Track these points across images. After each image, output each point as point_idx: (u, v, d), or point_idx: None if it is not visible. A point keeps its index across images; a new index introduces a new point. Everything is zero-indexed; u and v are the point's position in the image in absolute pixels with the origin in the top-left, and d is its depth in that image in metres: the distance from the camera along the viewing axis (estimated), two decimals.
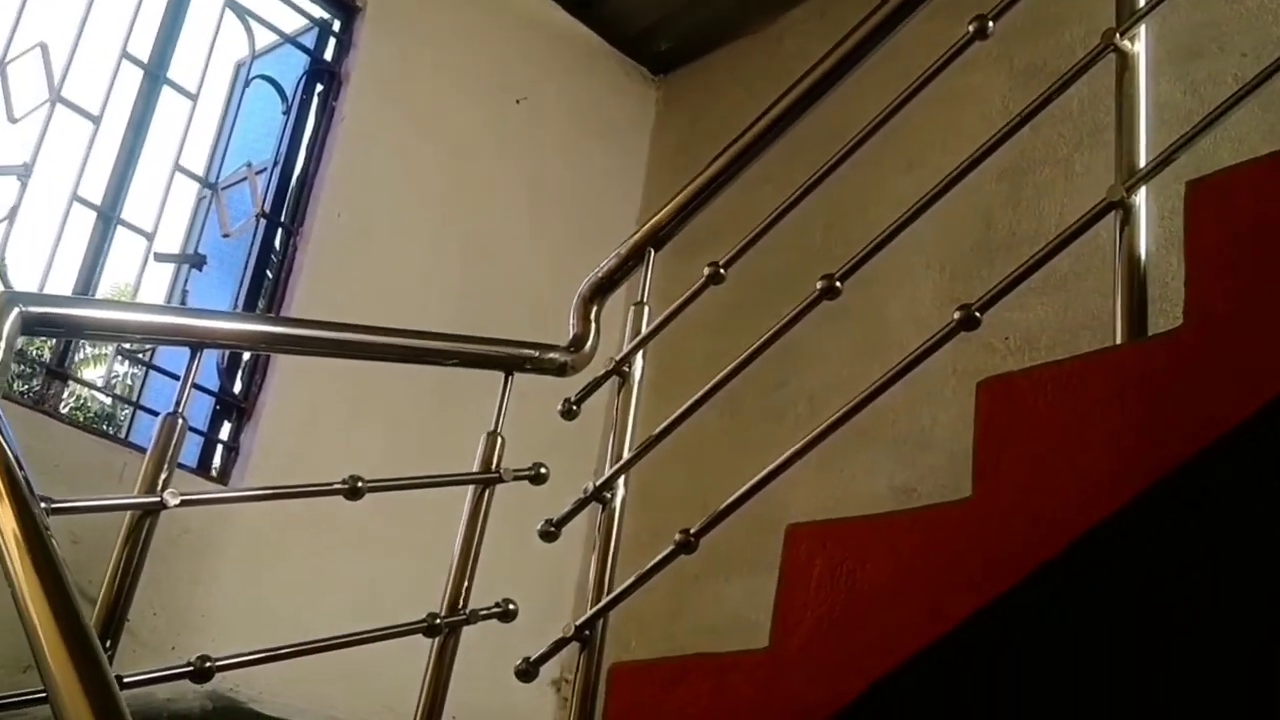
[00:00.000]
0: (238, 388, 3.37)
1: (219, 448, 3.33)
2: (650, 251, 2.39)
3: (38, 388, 3.12)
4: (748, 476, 1.85)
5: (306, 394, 3.38)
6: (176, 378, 3.40)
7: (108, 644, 1.70)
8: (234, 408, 3.34)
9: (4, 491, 1.37)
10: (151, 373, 3.51)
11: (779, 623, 1.72)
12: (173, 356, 3.40)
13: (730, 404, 3.64)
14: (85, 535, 2.81)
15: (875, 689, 1.54)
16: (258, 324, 2.37)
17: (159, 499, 1.74)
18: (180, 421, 1.81)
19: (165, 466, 1.78)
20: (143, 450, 3.16)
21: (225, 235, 3.47)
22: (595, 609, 2.06)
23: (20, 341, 1.68)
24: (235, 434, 3.32)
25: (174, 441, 1.79)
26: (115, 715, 1.04)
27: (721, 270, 2.17)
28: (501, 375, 2.28)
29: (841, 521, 1.75)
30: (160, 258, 3.26)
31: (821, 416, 1.78)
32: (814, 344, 3.49)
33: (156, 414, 3.35)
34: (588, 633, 2.10)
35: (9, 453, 1.44)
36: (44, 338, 1.67)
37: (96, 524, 2.79)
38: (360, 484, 2.00)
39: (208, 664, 1.77)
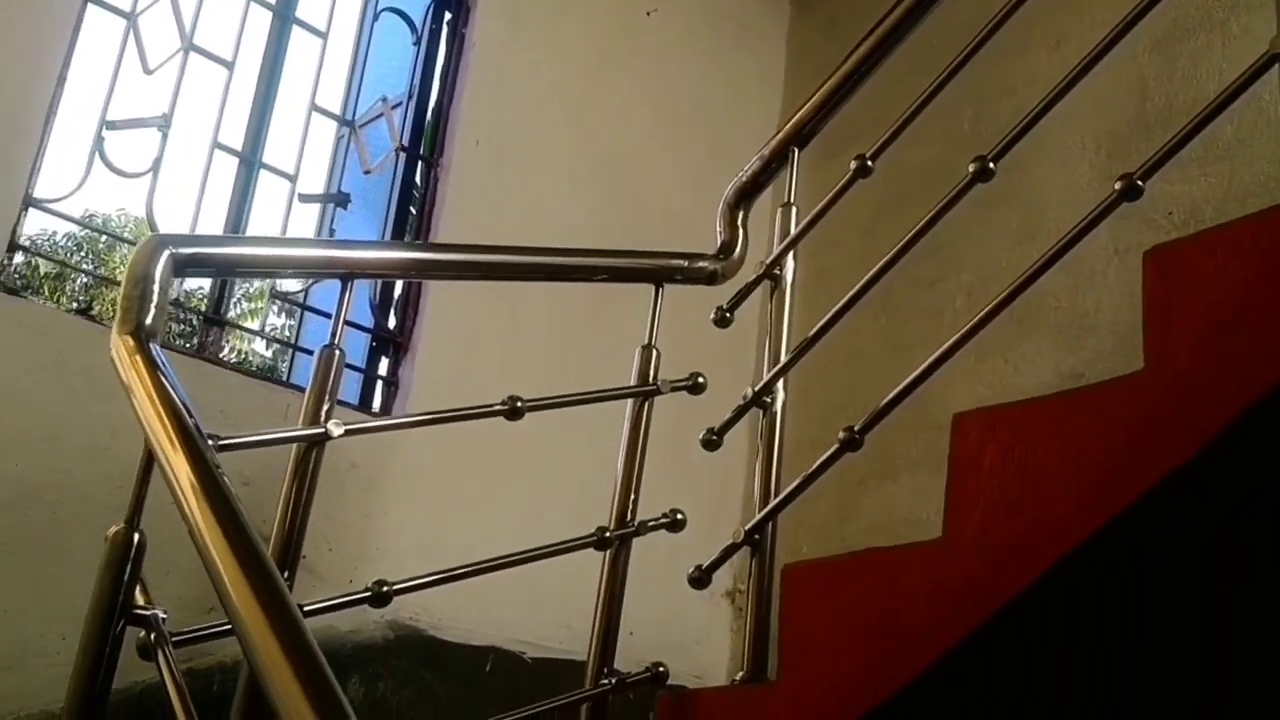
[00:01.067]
0: (392, 323, 3.39)
1: (379, 384, 3.37)
2: (794, 151, 2.31)
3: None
4: (907, 376, 1.78)
5: (460, 324, 3.39)
6: (330, 317, 3.49)
7: (285, 575, 1.71)
8: (390, 343, 3.37)
9: (175, 436, 1.37)
10: (307, 318, 3.57)
11: (951, 512, 1.66)
12: (326, 297, 3.45)
13: (886, 304, 3.56)
14: (256, 477, 2.88)
15: (1050, 574, 1.47)
16: (407, 251, 2.35)
17: (323, 430, 1.75)
18: (338, 354, 1.81)
19: (326, 399, 1.78)
20: (304, 391, 3.26)
21: (366, 172, 3.49)
22: (764, 512, 2.02)
23: (175, 285, 1.70)
24: (393, 369, 3.36)
25: (333, 373, 1.79)
26: (301, 646, 1.03)
27: (869, 162, 2.09)
28: (651, 288, 2.23)
29: (1011, 406, 1.67)
30: (305, 199, 3.29)
31: (979, 311, 1.70)
32: (969, 236, 3.37)
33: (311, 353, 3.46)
34: (757, 537, 2.06)
35: (176, 398, 1.45)
36: (196, 278, 1.66)
37: (266, 465, 2.85)
38: (520, 404, 1.99)
39: (384, 588, 1.78)
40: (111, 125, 2.98)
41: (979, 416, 1.71)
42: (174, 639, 1.53)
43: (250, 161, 3.22)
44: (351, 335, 3.42)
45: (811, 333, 2.03)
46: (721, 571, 2.09)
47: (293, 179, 3.27)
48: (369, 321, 3.37)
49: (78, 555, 2.29)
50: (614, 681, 1.99)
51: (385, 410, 3.31)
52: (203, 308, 3.36)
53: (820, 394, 3.14)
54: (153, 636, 1.43)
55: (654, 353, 2.18)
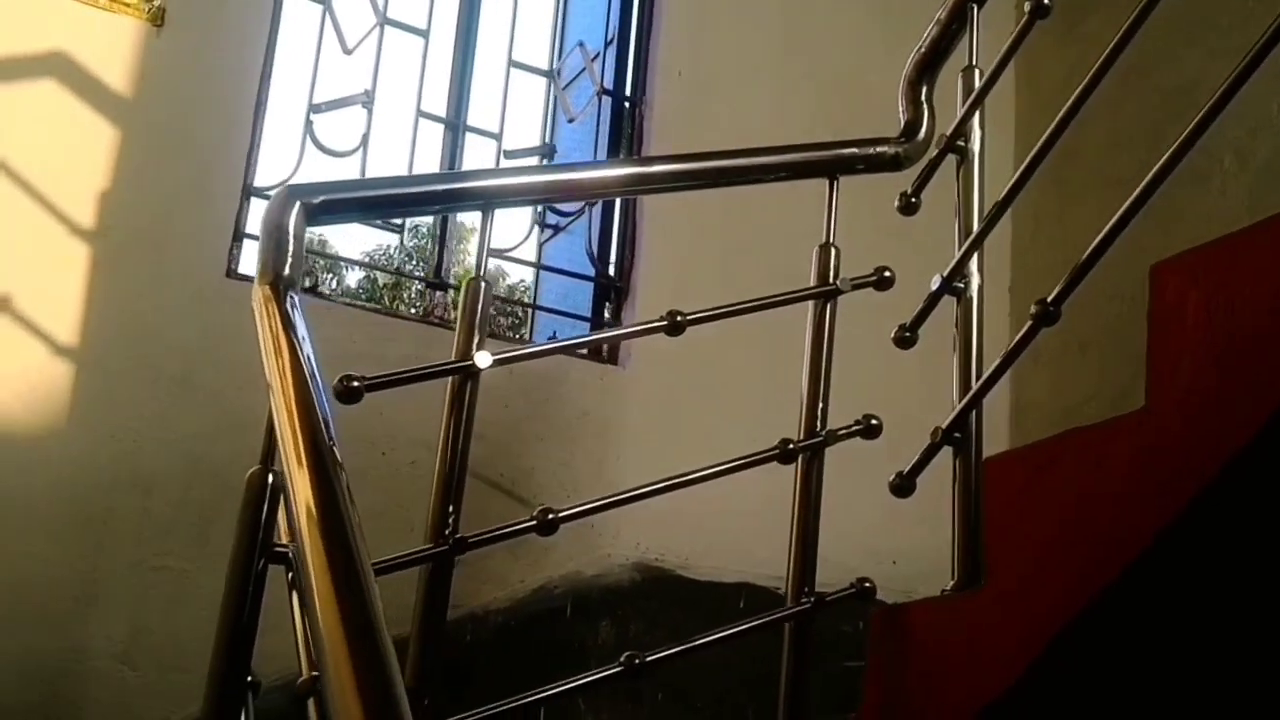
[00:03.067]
0: (611, 270, 3.37)
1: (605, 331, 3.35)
2: (973, 9, 2.09)
3: (422, 303, 3.27)
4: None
5: (676, 260, 3.32)
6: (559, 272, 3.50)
7: (451, 511, 1.69)
8: (611, 288, 3.34)
9: (293, 395, 1.33)
10: (543, 277, 3.58)
11: (1153, 376, 1.45)
12: (556, 254, 3.46)
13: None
14: (488, 431, 2.92)
15: (1268, 431, 1.24)
16: (542, 175, 2.28)
17: (469, 362, 1.71)
18: (483, 285, 1.77)
19: (475, 331, 1.74)
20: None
21: (570, 120, 3.46)
22: (962, 403, 1.84)
23: (313, 233, 1.70)
24: (616, 313, 3.33)
25: (480, 306, 1.75)
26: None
27: (1044, 1, 1.86)
28: (827, 181, 2.09)
29: (1213, 245, 1.43)
30: (511, 155, 3.31)
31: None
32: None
33: (550, 310, 3.48)
34: (958, 435, 1.88)
35: (300, 353, 1.43)
36: (330, 224, 1.66)
37: (497, 420, 2.89)
38: (681, 318, 1.89)
39: (550, 515, 1.73)
40: (318, 109, 3.08)
41: (1178, 265, 1.49)
42: None
43: (454, 125, 3.26)
44: (575, 285, 3.42)
45: (1000, 198, 1.83)
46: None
47: (498, 137, 3.30)
48: (589, 270, 3.36)
49: None
50: (814, 600, 1.87)
51: (613, 356, 3.28)
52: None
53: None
54: (290, 575, 1.43)
55: (833, 251, 2.03)
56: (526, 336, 3.66)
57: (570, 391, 3.12)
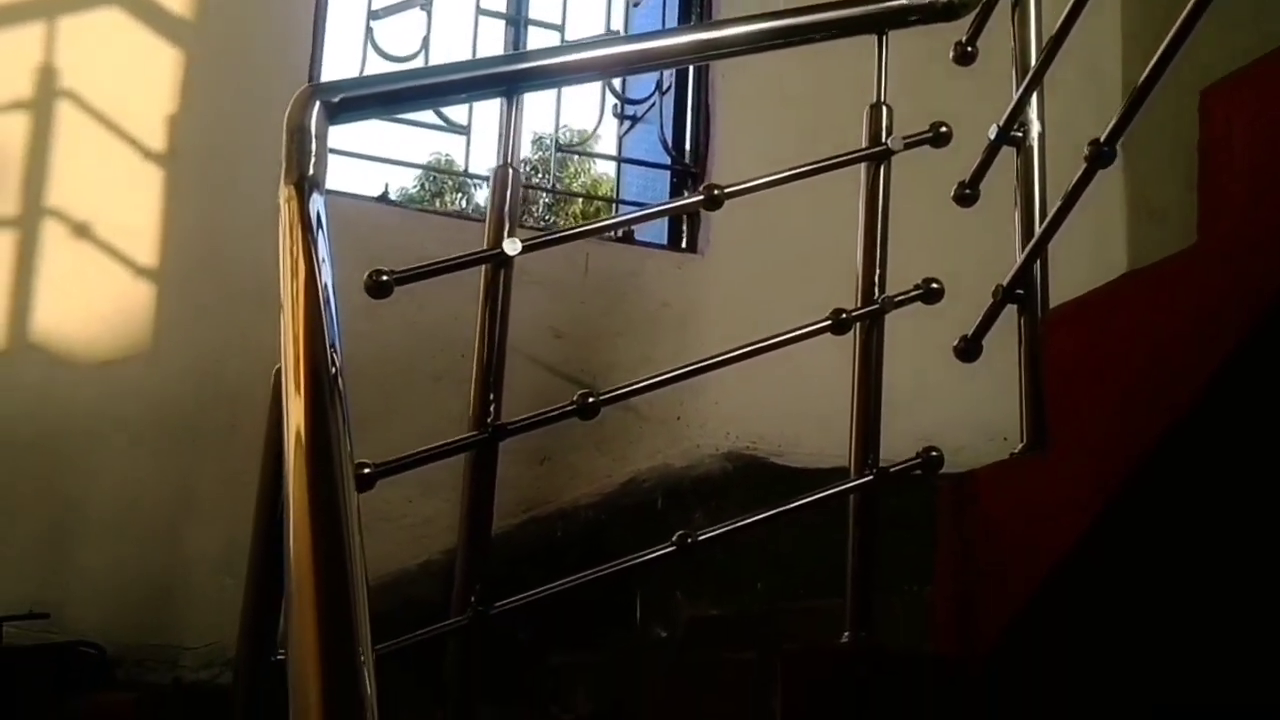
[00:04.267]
0: (687, 158, 3.29)
1: (683, 220, 3.28)
2: None
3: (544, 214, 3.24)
4: None
5: (750, 145, 3.22)
6: (631, 161, 3.44)
7: (491, 399, 1.66)
8: (687, 175, 3.27)
9: (301, 289, 1.32)
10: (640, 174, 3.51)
11: (1204, 207, 1.34)
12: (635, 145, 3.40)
13: None
14: (568, 329, 2.90)
15: None
16: (568, 55, 2.20)
17: (499, 250, 1.67)
18: (511, 172, 1.73)
19: (505, 218, 1.70)
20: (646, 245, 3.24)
21: (636, 3, 3.37)
22: (1023, 257, 1.75)
23: (334, 132, 1.68)
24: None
25: (508, 193, 1.71)
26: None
27: None
28: (875, 38, 1.98)
29: (1261, 62, 1.30)
30: None
31: None
32: None
33: (630, 203, 3.42)
34: (1021, 291, 1.79)
35: (314, 254, 1.41)
36: (352, 121, 1.63)
37: (578, 317, 2.87)
38: (717, 191, 1.83)
39: (590, 399, 1.69)
40: (377, 14, 3.05)
41: (1227, 87, 1.36)
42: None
43: (516, 20, 3.20)
44: (653, 175, 3.36)
45: (1057, 27, 1.70)
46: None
47: (561, 28, 3.23)
48: (664, 159, 3.28)
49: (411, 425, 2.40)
50: (877, 472, 1.81)
51: (693, 244, 3.22)
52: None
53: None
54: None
55: (884, 110, 1.93)
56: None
57: (648, 284, 3.07)
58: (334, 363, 1.20)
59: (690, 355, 2.97)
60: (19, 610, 2.23)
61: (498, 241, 1.70)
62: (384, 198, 3.11)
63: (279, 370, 1.45)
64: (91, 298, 2.63)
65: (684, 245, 3.23)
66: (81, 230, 2.67)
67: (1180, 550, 1.56)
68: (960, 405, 2.35)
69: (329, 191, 1.57)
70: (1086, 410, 1.54)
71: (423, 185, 13.69)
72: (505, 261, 1.69)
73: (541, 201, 12.19)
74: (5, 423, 2.48)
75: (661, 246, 3.22)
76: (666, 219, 3.29)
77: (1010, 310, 1.83)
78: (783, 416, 3.04)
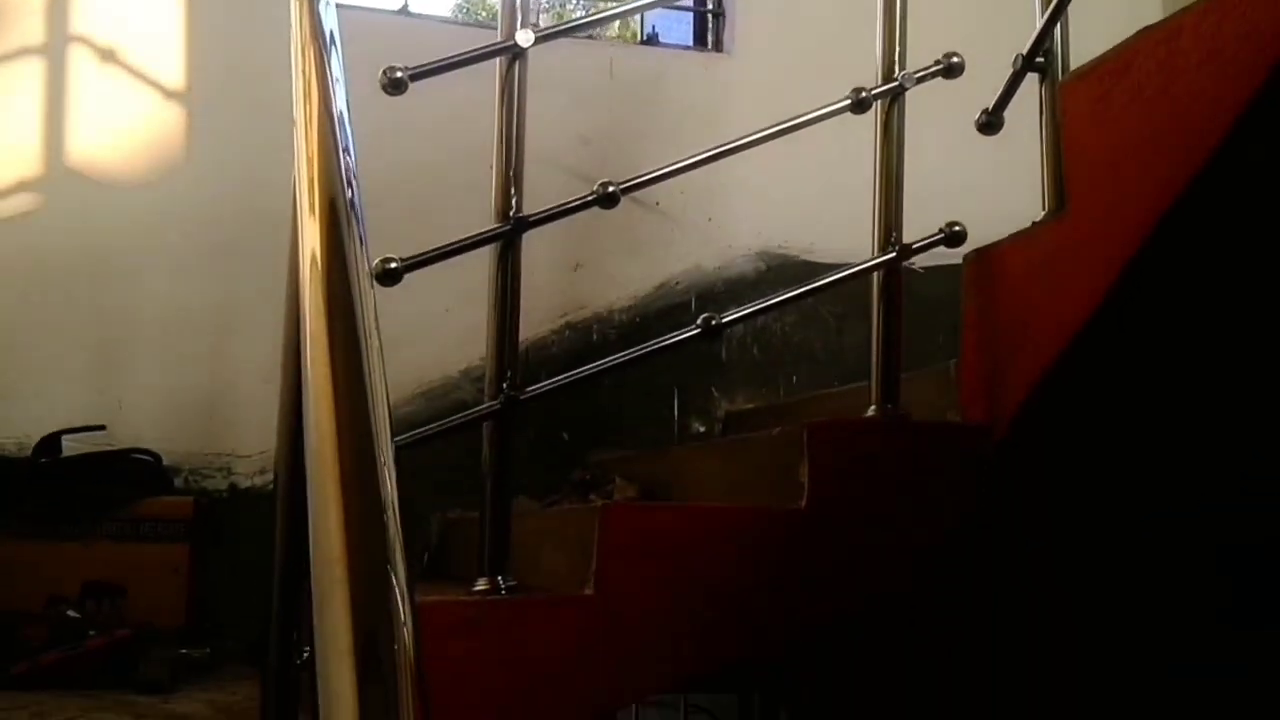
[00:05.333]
0: None
1: (709, 19, 3.23)
2: None
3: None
4: None
5: None
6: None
7: (513, 194, 1.69)
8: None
9: (310, 53, 1.33)
10: None
11: None
12: None
13: None
14: (594, 136, 2.90)
15: None
16: None
17: (512, 42, 1.67)
18: None
19: (517, 10, 1.70)
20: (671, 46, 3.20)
21: None
22: (1042, 24, 1.74)
23: None
24: (717, 37, 3.20)
25: None
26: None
27: None
28: None
29: None
30: None
31: None
32: None
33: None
34: (1041, 59, 1.78)
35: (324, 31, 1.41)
36: None
37: (603, 127, 2.86)
38: None
39: (610, 188, 1.71)
40: None
41: None
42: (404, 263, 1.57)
43: None
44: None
45: None
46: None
47: None
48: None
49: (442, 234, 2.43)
50: (899, 248, 1.83)
51: (718, 44, 3.17)
52: None
53: None
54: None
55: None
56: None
57: (673, 87, 3.05)
58: (349, 183, 1.19)
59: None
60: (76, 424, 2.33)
61: (511, 34, 1.70)
62: (404, 10, 3.08)
63: None
64: (124, 122, 2.66)
65: (710, 45, 3.18)
66: (108, 55, 2.68)
67: (1198, 317, 1.58)
68: (985, 197, 2.33)
69: (346, 6, 1.56)
70: (1105, 171, 1.54)
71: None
72: (519, 54, 1.70)
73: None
74: (51, 246, 2.55)
75: (687, 47, 3.18)
76: (693, 19, 3.24)
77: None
78: (813, 215, 3.04)
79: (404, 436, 1.65)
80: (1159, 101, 1.42)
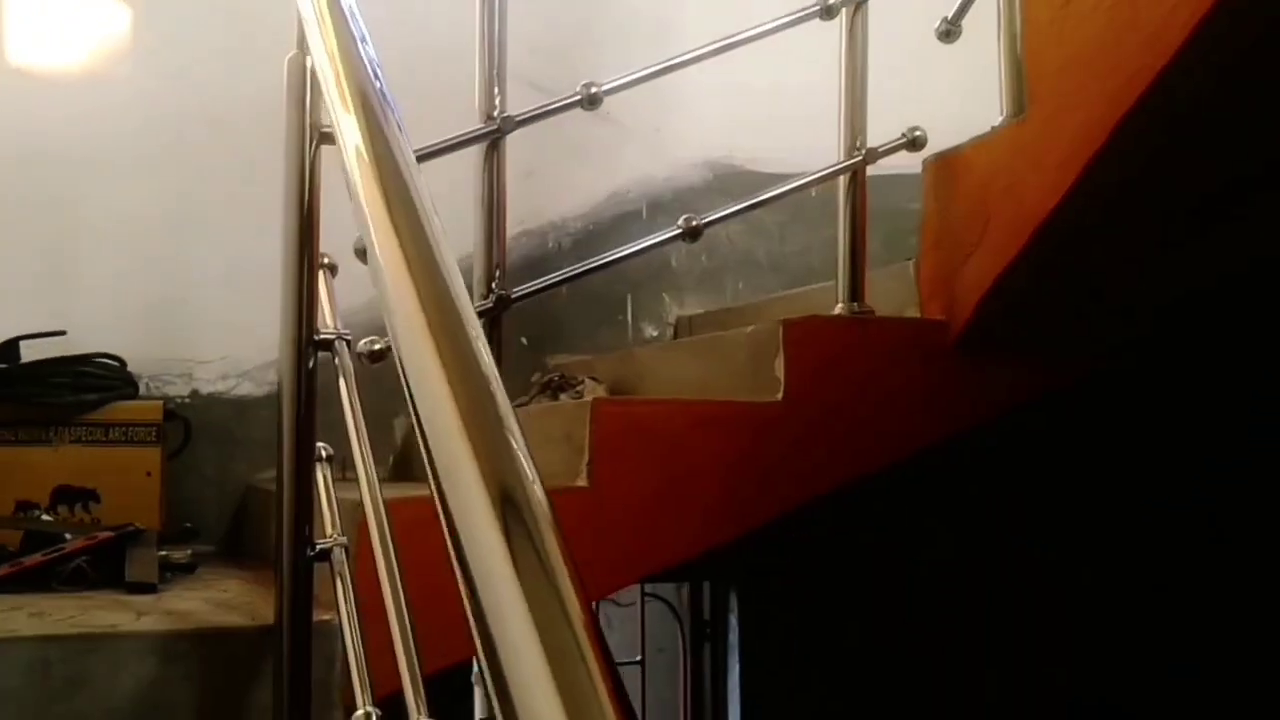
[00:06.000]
0: None
1: None
2: None
3: None
4: None
5: None
6: None
7: (495, 91, 1.72)
8: None
9: None
10: None
11: None
12: None
13: None
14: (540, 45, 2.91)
15: None
16: None
17: None
18: None
19: None
20: None
21: None
22: None
23: None
24: None
25: None
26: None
27: None
28: None
29: None
30: None
31: None
32: None
33: None
34: None
35: None
36: None
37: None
38: None
39: (593, 89, 1.76)
40: None
41: None
42: None
43: None
44: None
45: None
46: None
47: None
48: None
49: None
50: (865, 152, 1.91)
51: None
52: None
53: None
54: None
55: None
56: None
57: None
58: (375, 75, 1.19)
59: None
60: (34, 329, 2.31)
61: None
62: None
63: (293, 58, 1.49)
64: (71, 25, 2.60)
65: None
66: None
67: (1152, 216, 1.68)
68: (938, 105, 2.40)
69: None
70: (1066, 77, 1.62)
71: None
72: None
73: None
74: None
75: None
76: None
77: None
78: (758, 126, 3.09)
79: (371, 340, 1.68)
80: (1120, 9, 1.50)
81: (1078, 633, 3.01)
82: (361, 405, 1.42)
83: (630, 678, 2.99)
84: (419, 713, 1.02)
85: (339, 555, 1.37)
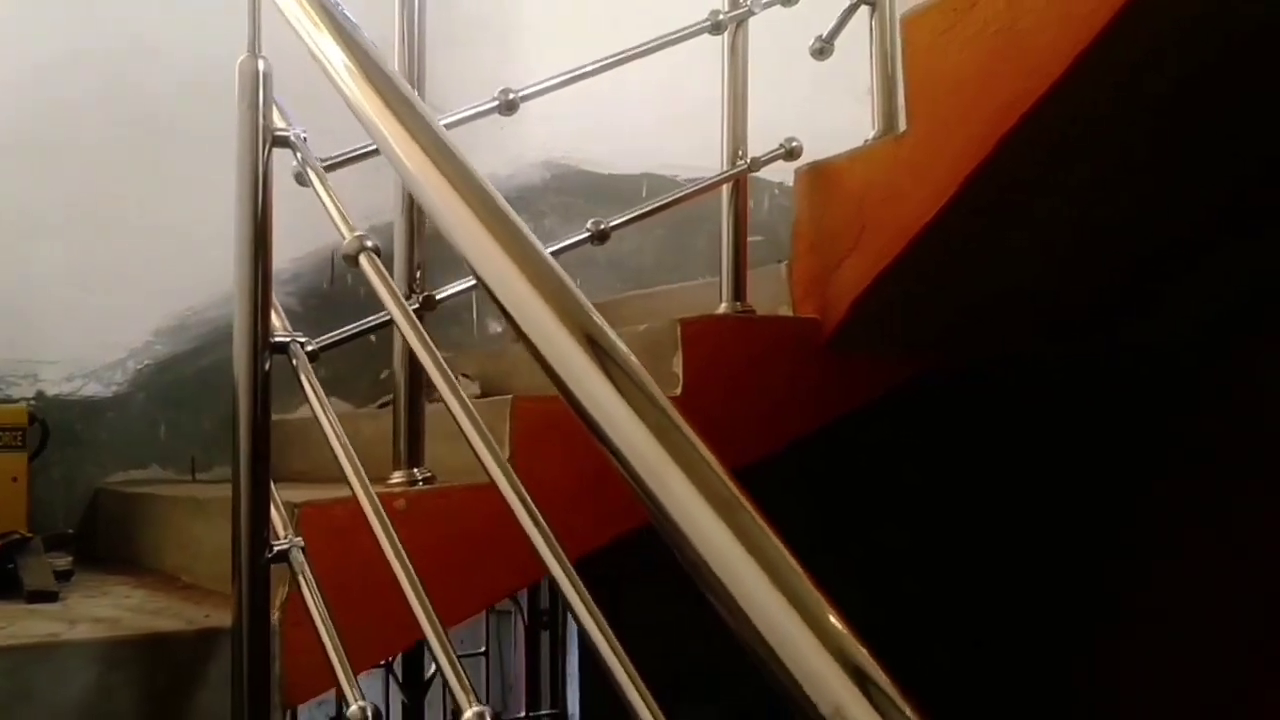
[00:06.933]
0: None
1: None
2: None
3: None
4: None
5: None
6: None
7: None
8: None
9: None
10: None
11: None
12: None
13: None
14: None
15: None
16: None
17: None
18: None
19: None
20: None
21: None
22: None
23: None
24: None
25: None
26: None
27: None
28: None
29: None
30: None
31: None
32: None
33: None
34: None
35: None
36: None
37: None
38: None
39: (510, 95, 1.82)
40: None
41: None
42: (323, 163, 1.59)
43: None
44: None
45: None
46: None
47: None
48: None
49: None
50: (748, 162, 2.03)
51: None
52: None
53: None
54: (299, 156, 1.49)
55: None
56: None
57: None
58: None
59: (512, 65, 3.07)
60: None
61: None
62: None
63: (244, 61, 1.47)
64: None
65: None
66: None
67: (1025, 229, 1.87)
68: (804, 119, 2.55)
69: None
70: (947, 97, 1.78)
71: None
72: None
73: None
74: None
75: None
76: None
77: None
78: (592, 128, 3.18)
79: (325, 338, 1.70)
80: (1004, 36, 1.67)
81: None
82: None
83: (477, 667, 3.04)
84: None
85: (297, 556, 1.38)
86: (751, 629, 0.64)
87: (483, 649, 3.10)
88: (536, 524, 0.98)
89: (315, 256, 2.75)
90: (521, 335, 0.86)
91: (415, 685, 2.56)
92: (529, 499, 0.99)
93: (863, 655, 0.62)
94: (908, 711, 0.59)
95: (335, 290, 2.76)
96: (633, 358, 0.82)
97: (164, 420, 2.48)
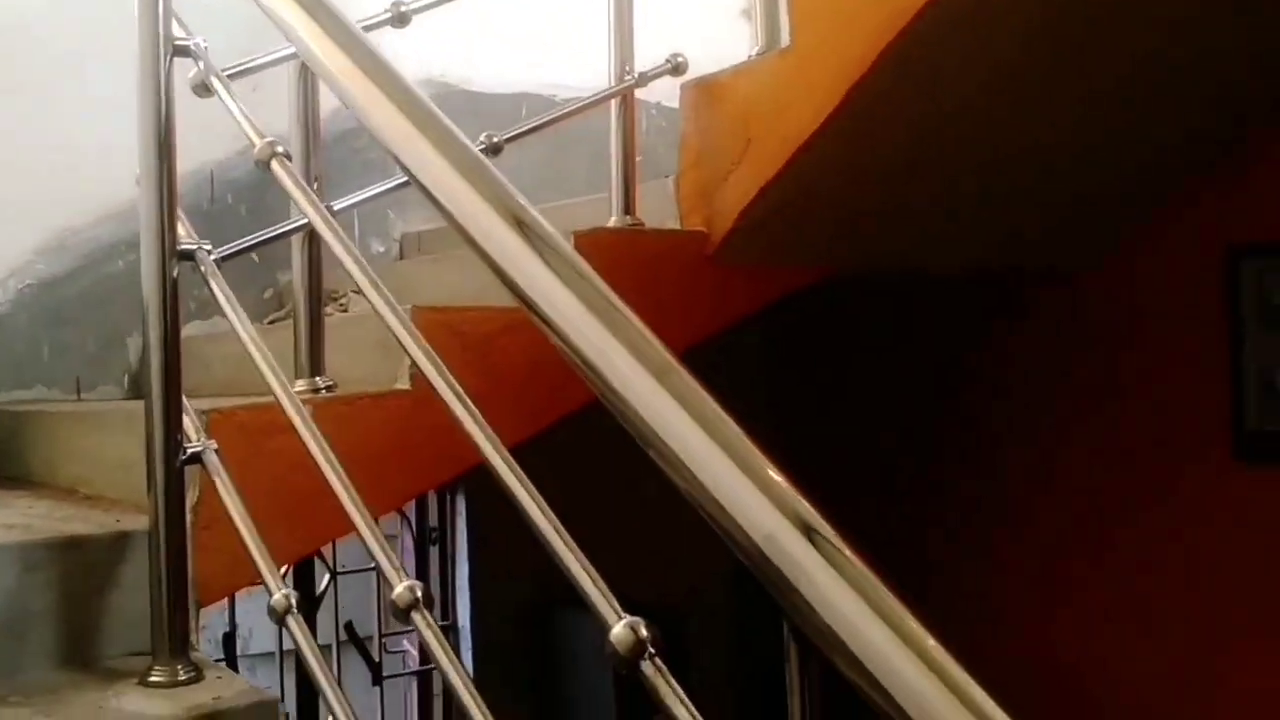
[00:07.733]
0: None
1: None
2: None
3: None
4: None
5: None
6: None
7: None
8: None
9: None
10: None
11: None
12: None
13: None
14: None
15: None
16: None
17: None
18: None
19: None
20: None
21: None
22: None
23: None
24: None
25: None
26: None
27: None
28: None
29: None
30: None
31: None
32: None
33: None
34: None
35: None
36: None
37: None
38: None
39: (403, 8, 1.83)
40: None
41: None
42: (225, 71, 1.59)
43: None
44: None
45: None
46: None
47: None
48: None
49: None
50: (635, 77, 2.08)
51: None
52: None
53: None
54: (201, 65, 1.48)
55: None
56: None
57: None
58: None
59: None
60: None
61: None
62: None
63: None
64: None
65: None
66: None
67: (903, 136, 1.96)
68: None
69: None
70: (829, 13, 1.85)
71: None
72: None
73: None
74: None
75: None
76: None
77: None
78: (468, 48, 3.19)
79: (230, 246, 1.70)
80: None
81: None
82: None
83: (367, 582, 3.09)
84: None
85: (211, 458, 1.41)
86: (687, 472, 0.72)
87: (371, 565, 3.14)
88: (472, 415, 1.03)
89: (195, 177, 2.71)
90: (457, 226, 0.92)
91: (310, 599, 2.60)
92: (465, 396, 1.04)
93: (784, 488, 0.70)
94: (827, 533, 0.68)
95: (216, 209, 2.73)
96: (560, 238, 0.88)
97: (48, 340, 2.45)
